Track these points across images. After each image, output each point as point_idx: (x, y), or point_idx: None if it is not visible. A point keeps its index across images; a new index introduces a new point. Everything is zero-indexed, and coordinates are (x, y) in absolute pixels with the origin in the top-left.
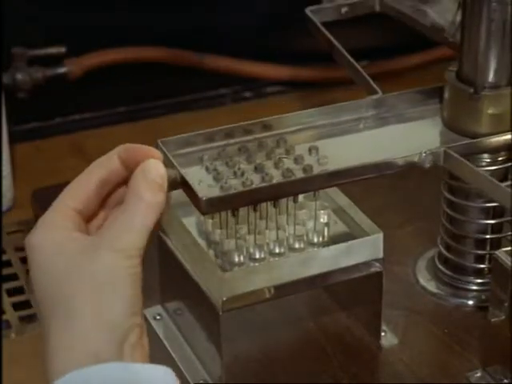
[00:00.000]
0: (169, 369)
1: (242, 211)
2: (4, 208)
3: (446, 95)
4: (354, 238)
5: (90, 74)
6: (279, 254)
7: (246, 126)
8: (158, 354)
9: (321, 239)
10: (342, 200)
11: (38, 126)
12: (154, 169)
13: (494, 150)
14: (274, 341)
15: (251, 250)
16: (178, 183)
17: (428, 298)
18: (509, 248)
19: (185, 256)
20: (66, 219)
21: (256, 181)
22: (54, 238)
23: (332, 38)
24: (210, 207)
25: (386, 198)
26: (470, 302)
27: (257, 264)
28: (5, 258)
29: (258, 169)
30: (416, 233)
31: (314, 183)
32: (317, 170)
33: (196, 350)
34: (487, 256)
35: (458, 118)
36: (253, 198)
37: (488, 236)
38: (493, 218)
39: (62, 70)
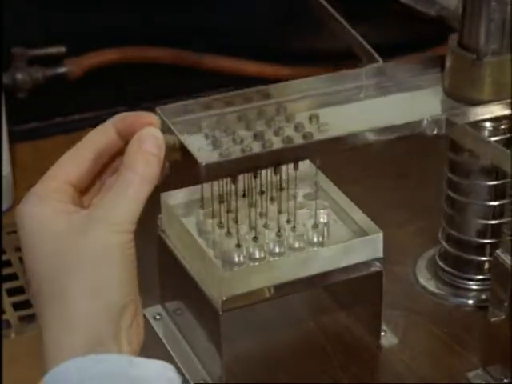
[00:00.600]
0: (169, 364)
1: (242, 210)
2: (4, 208)
3: (448, 63)
4: (353, 237)
5: (89, 74)
6: (279, 254)
7: (245, 94)
8: (157, 354)
9: (321, 239)
10: (342, 200)
11: (37, 126)
12: (149, 139)
13: (497, 119)
14: (274, 341)
15: (251, 250)
16: (177, 149)
17: (428, 297)
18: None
19: (184, 256)
20: (59, 192)
21: (256, 148)
22: (45, 211)
23: (329, 7)
24: (209, 173)
25: (385, 197)
26: (470, 302)
27: (257, 264)
28: (5, 258)
29: (257, 136)
30: (416, 233)
31: (314, 149)
32: (317, 137)
33: (196, 350)
34: (488, 247)
35: (460, 86)
36: (253, 164)
37: (490, 222)
38: (495, 200)
39: (61, 69)
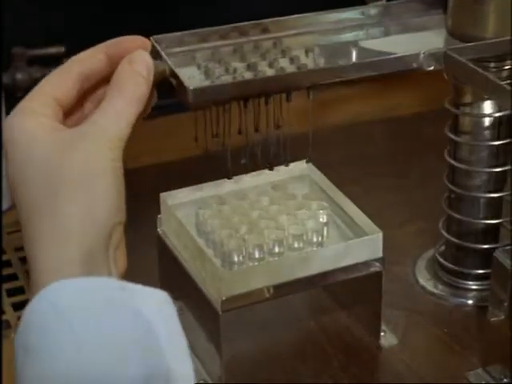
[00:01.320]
0: (162, 292)
1: (242, 208)
2: (4, 208)
3: (451, 1)
4: (353, 237)
5: None
6: (279, 254)
7: (242, 28)
8: None
9: (320, 239)
10: (342, 200)
11: None
12: (140, 60)
13: (499, 57)
14: (273, 341)
15: (251, 250)
16: (167, 76)
17: (428, 297)
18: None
19: (184, 256)
20: (46, 107)
21: (248, 77)
22: (33, 125)
23: None
24: (196, 98)
25: (385, 197)
26: (470, 302)
27: (256, 264)
28: (5, 258)
29: (251, 67)
30: (416, 233)
31: (305, 78)
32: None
33: (196, 350)
34: (489, 231)
35: (463, 24)
36: (242, 92)
37: (492, 195)
38: (496, 166)
39: None
